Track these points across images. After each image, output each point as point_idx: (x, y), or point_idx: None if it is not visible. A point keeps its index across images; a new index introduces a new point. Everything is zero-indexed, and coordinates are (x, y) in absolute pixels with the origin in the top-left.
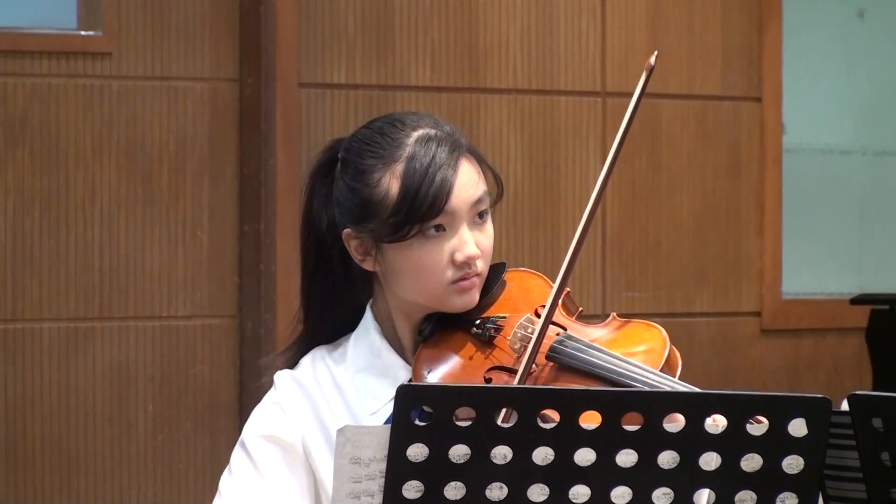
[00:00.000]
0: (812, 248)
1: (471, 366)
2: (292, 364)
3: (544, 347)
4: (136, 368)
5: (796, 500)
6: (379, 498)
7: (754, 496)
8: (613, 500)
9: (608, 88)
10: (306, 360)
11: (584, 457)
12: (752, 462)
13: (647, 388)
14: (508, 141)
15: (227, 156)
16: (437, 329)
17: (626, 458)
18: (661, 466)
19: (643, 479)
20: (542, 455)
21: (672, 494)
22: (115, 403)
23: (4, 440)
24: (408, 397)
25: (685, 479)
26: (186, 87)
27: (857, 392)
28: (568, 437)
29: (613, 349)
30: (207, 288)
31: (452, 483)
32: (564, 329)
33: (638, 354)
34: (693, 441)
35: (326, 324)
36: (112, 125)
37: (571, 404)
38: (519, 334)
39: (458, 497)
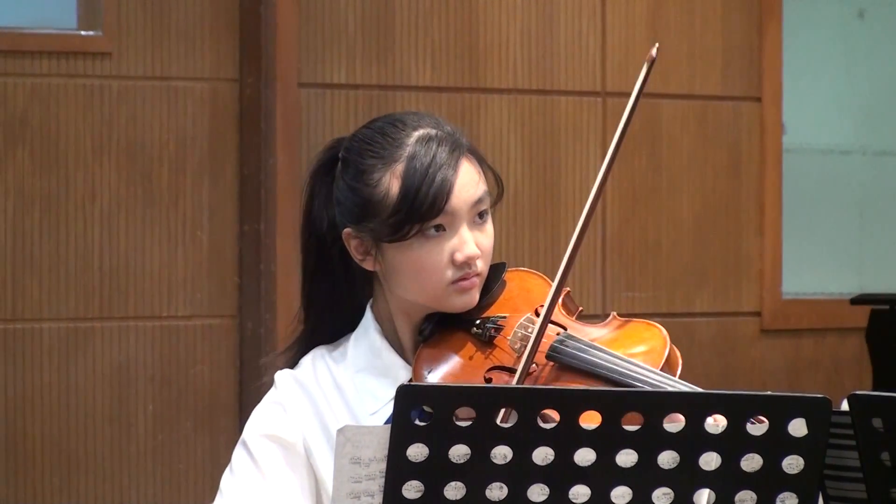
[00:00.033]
0: (812, 248)
1: (471, 366)
2: (293, 364)
3: (544, 347)
4: (136, 368)
5: (796, 500)
6: (379, 498)
7: (754, 496)
8: (613, 500)
9: (608, 88)
10: (306, 360)
11: (584, 457)
12: (752, 462)
13: (647, 388)
14: (508, 141)
15: (227, 156)
16: (438, 329)
17: (626, 457)
18: (662, 466)
19: (643, 479)
20: (542, 455)
21: (672, 494)
22: (115, 403)
23: (4, 440)
24: (408, 397)
25: (685, 479)
26: (186, 87)
27: (857, 392)
28: (568, 437)
29: (614, 349)
30: (207, 288)
31: (452, 483)
32: (564, 328)
33: (638, 354)
34: (693, 441)
35: (326, 324)
36: (112, 125)
37: (571, 404)
38: (519, 334)
39: (458, 497)
